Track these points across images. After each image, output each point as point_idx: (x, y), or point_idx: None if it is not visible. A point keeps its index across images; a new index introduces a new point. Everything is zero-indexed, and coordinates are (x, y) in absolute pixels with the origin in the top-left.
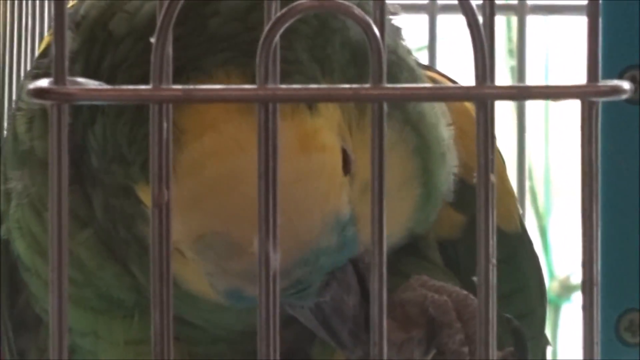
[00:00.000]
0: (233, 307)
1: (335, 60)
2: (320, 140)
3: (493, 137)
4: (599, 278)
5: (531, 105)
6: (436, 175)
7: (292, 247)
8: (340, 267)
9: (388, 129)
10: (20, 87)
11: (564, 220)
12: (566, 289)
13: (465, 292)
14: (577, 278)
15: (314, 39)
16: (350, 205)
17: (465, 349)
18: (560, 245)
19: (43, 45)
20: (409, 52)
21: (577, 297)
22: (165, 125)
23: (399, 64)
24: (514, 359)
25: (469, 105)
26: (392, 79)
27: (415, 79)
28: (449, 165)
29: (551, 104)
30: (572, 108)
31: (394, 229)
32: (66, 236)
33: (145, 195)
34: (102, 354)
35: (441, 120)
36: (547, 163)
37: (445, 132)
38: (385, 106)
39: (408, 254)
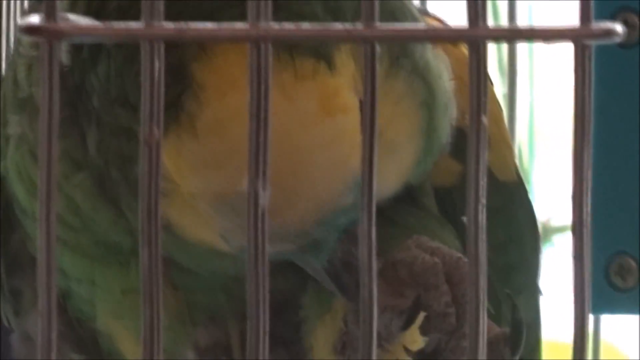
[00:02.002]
0: (230, 255)
1: (346, 9)
2: (342, 102)
3: (485, 79)
4: (590, 221)
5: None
6: (439, 129)
7: (312, 209)
8: None
9: (399, 79)
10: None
11: (546, 164)
12: (547, 232)
13: (459, 255)
14: (557, 221)
15: None
16: None
17: (451, 310)
18: (541, 188)
19: None
20: (410, 2)
21: (558, 240)
22: (157, 63)
23: (403, 11)
24: (505, 345)
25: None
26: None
27: None
28: (450, 118)
29: (536, 47)
30: (557, 52)
31: (393, 182)
32: (56, 174)
33: None
34: (98, 301)
35: (444, 72)
36: (532, 106)
37: (448, 84)
38: (378, 47)
39: (403, 203)
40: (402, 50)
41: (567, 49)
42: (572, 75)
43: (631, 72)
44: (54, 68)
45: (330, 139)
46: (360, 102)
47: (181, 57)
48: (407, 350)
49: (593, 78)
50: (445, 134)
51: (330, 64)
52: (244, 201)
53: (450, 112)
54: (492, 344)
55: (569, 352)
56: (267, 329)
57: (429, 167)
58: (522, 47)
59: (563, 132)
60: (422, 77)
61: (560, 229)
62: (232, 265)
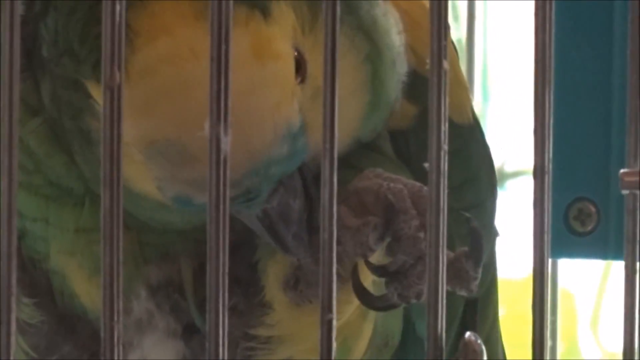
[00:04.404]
0: (178, 209)
1: None
2: (274, 49)
3: (446, 25)
4: (551, 166)
5: None
6: (386, 83)
7: (243, 157)
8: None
9: (340, 36)
10: None
11: (499, 109)
12: (500, 177)
13: (419, 184)
14: (510, 166)
15: None
16: (301, 113)
17: (422, 234)
18: (495, 133)
19: None
20: None
21: (511, 185)
22: (118, 6)
23: None
24: (467, 260)
25: None
26: None
27: None
28: (399, 73)
29: None
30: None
31: (341, 137)
32: (17, 125)
33: (96, 91)
34: (53, 240)
35: (393, 27)
36: (485, 53)
37: (397, 39)
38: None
39: (359, 146)
40: (346, 6)
41: None
42: (533, 20)
43: (592, 17)
44: (15, 12)
45: (259, 84)
46: (297, 52)
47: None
48: (367, 263)
49: (554, 23)
50: (393, 89)
51: (265, 13)
52: (174, 148)
53: (398, 68)
54: (453, 263)
55: (519, 288)
56: (227, 271)
57: (378, 123)
58: None
59: (516, 77)
60: (367, 33)
61: (513, 174)
62: (179, 219)
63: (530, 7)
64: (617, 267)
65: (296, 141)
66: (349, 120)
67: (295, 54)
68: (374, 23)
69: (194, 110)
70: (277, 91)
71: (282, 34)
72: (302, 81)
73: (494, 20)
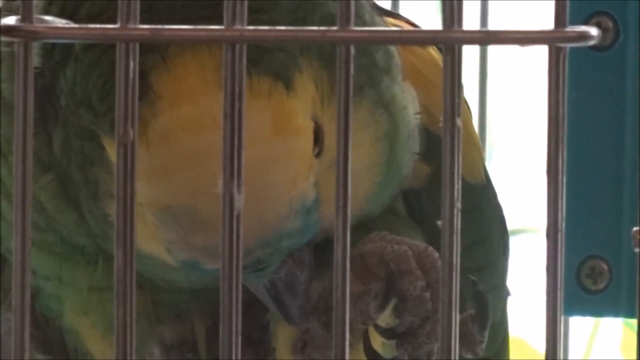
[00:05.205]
0: (180, 268)
1: (314, 21)
2: (294, 123)
3: (460, 83)
4: (564, 225)
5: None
6: (399, 161)
7: (256, 228)
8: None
9: (361, 109)
10: None
11: (500, 166)
12: None
13: (425, 244)
14: (512, 224)
15: (295, 13)
16: (316, 186)
17: (427, 294)
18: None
19: None
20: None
21: (512, 242)
22: (132, 64)
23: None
24: (473, 323)
25: (436, 55)
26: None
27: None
28: (412, 150)
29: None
30: (510, 54)
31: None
32: (30, 177)
33: (111, 148)
34: (66, 299)
35: (410, 105)
36: (487, 109)
37: (413, 117)
38: (353, 49)
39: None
40: (368, 80)
41: (522, 51)
42: (547, 78)
43: (604, 74)
44: (29, 69)
45: (278, 159)
46: (316, 125)
47: (141, 66)
48: (376, 325)
49: (567, 81)
50: (405, 165)
51: (288, 86)
52: (188, 214)
53: (412, 144)
54: (460, 326)
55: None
56: (240, 330)
57: (387, 199)
58: (475, 48)
59: (517, 134)
60: (387, 108)
61: (515, 232)
62: (184, 278)
63: (530, 61)
64: (605, 324)
65: (309, 215)
66: (359, 196)
67: (314, 125)
68: (393, 98)
69: (210, 178)
70: (295, 166)
71: (303, 107)
72: (319, 153)
73: (494, 76)
